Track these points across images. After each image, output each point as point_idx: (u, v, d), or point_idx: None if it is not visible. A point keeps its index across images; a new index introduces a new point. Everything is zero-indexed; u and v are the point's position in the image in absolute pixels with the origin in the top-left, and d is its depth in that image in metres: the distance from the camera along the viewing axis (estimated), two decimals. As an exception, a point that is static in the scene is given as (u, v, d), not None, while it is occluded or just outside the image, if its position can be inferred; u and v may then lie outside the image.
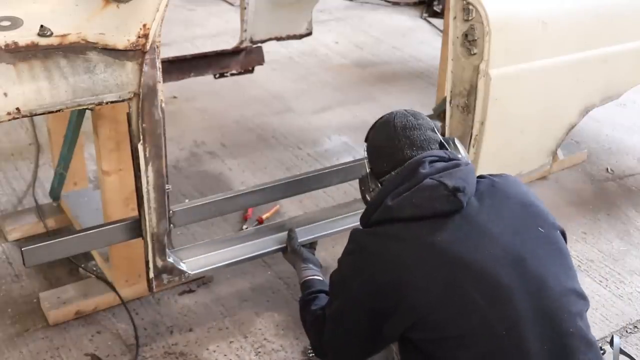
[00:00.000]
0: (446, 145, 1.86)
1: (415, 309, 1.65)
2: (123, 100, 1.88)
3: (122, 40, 1.81)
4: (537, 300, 1.62)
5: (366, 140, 1.96)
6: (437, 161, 1.77)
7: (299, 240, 2.39)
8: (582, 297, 1.73)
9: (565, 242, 1.81)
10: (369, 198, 1.90)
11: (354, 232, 1.84)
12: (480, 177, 1.83)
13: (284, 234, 2.43)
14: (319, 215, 2.56)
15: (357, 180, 2.00)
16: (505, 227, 1.70)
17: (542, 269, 1.67)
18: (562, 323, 1.63)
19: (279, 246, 2.41)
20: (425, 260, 1.65)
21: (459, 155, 1.85)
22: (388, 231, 1.74)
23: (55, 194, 2.82)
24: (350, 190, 3.20)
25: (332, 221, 2.53)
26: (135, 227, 2.12)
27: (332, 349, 1.91)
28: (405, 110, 1.92)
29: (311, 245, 2.46)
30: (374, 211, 1.79)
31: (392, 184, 1.78)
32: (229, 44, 3.88)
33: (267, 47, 3.66)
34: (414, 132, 1.84)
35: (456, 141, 1.92)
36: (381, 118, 1.94)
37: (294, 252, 2.35)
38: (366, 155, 1.95)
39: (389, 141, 1.85)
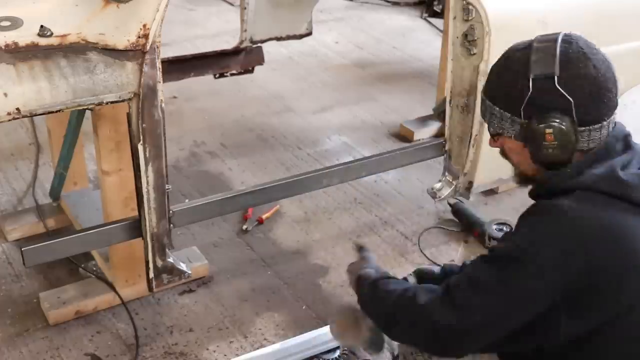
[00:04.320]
0: None
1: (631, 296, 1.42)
2: (123, 101, 1.88)
3: (122, 40, 1.81)
4: None
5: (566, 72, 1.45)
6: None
7: None
8: None
9: None
10: (570, 137, 1.46)
11: (543, 203, 1.49)
12: None
13: None
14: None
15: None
16: None
17: None
18: None
19: None
20: None
21: None
22: (606, 202, 1.43)
23: (55, 194, 2.82)
24: (350, 190, 3.20)
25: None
26: (135, 227, 2.12)
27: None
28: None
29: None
30: (591, 175, 1.46)
31: (614, 150, 1.50)
32: (229, 44, 3.87)
33: (267, 47, 3.66)
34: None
35: None
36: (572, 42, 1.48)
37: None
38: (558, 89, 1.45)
39: (604, 82, 1.49)
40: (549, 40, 1.49)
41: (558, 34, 1.51)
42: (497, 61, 1.58)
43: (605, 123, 1.49)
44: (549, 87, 1.45)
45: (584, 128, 1.47)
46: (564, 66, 1.45)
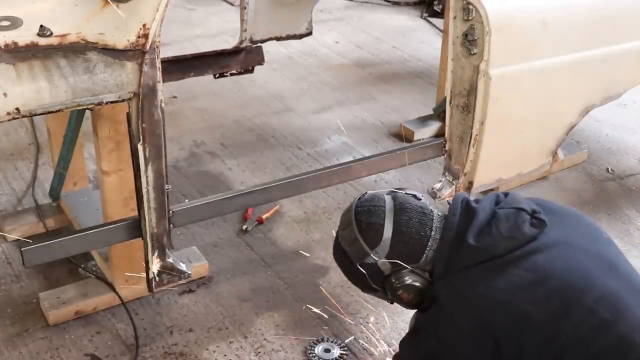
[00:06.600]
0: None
1: (542, 343, 1.53)
2: (123, 100, 1.88)
3: (122, 40, 1.81)
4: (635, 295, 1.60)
5: (377, 243, 1.72)
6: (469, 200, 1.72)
7: None
8: None
9: None
10: (415, 282, 1.70)
11: (437, 289, 1.65)
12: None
13: None
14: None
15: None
16: (584, 238, 1.67)
17: (626, 267, 1.66)
18: None
19: None
20: (535, 288, 1.55)
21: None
22: (481, 273, 1.59)
23: (54, 194, 2.82)
24: (350, 190, 3.20)
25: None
26: (135, 227, 2.12)
27: None
28: (364, 197, 1.80)
29: None
30: (446, 261, 1.65)
31: (453, 228, 1.66)
32: (229, 43, 3.88)
33: (267, 47, 3.66)
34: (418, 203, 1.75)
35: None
36: (377, 208, 1.74)
37: None
38: (384, 256, 1.71)
39: (417, 216, 1.71)
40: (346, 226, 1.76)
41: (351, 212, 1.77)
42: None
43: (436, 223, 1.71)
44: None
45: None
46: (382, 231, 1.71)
